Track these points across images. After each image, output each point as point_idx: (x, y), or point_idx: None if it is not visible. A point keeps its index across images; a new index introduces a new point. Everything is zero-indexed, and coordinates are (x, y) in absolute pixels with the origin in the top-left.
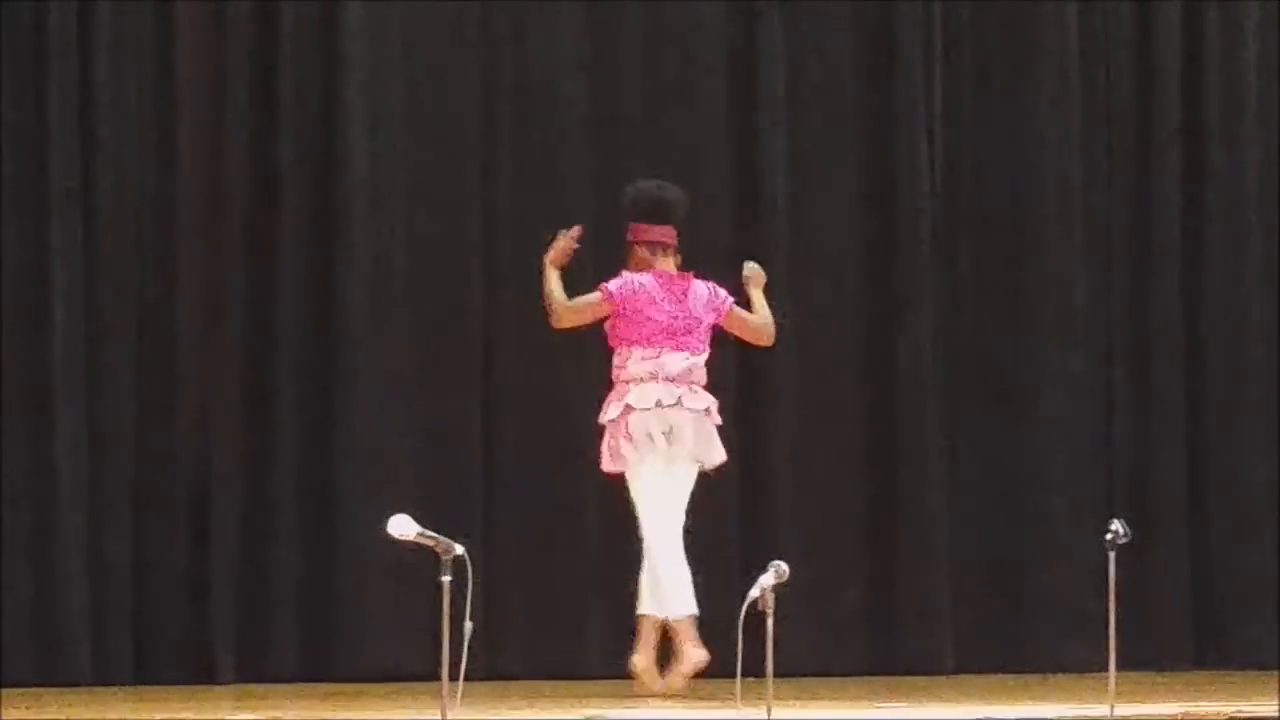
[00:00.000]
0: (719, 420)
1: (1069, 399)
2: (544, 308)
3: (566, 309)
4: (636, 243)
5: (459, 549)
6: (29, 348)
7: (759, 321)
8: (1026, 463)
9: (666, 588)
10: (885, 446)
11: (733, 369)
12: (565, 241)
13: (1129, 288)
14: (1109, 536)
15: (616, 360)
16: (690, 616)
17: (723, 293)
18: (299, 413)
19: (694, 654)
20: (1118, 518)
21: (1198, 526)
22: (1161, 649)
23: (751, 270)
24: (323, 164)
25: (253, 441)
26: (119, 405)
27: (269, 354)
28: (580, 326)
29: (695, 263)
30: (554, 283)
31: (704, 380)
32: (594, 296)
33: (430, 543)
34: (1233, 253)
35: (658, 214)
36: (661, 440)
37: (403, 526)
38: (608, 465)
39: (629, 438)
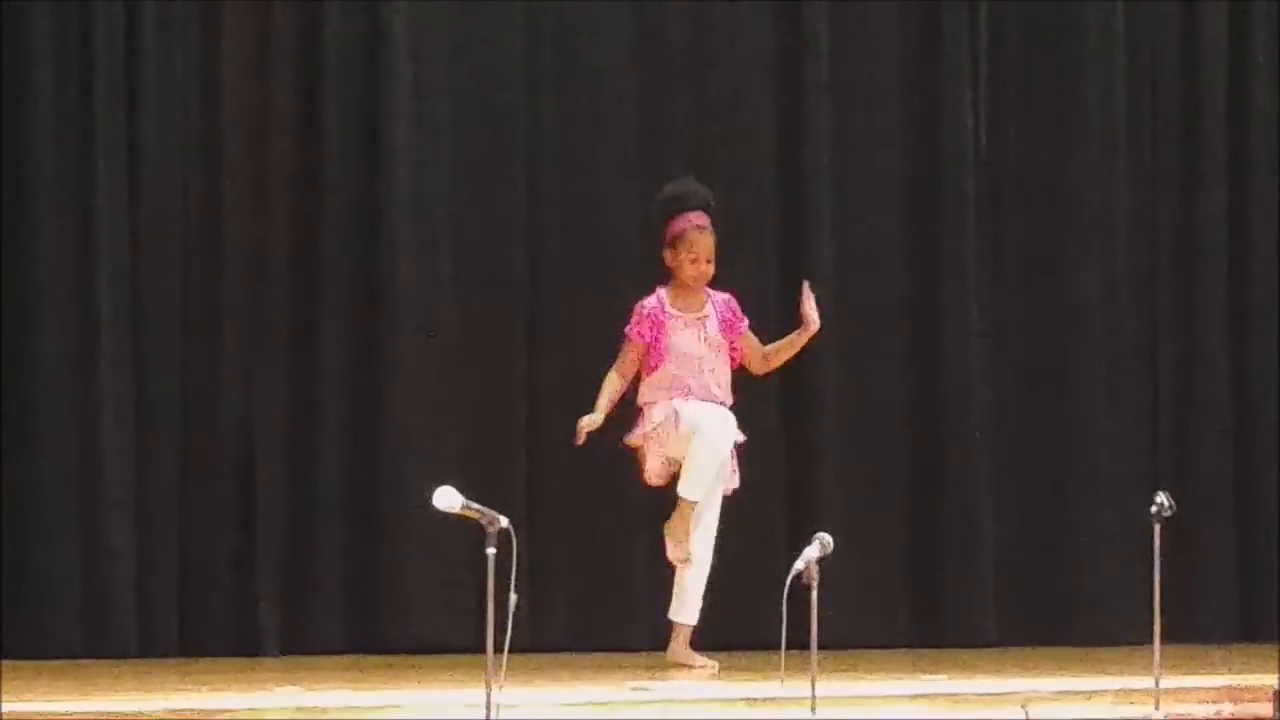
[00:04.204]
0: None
1: (1114, 375)
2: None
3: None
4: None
5: (504, 521)
6: (76, 322)
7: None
8: (1071, 435)
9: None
10: (930, 419)
11: None
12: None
13: (1174, 270)
14: (1154, 509)
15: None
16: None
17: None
18: (344, 386)
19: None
20: (1163, 490)
21: (1243, 499)
22: (1207, 622)
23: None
24: (368, 165)
25: (298, 414)
26: (164, 381)
27: (314, 328)
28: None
29: (741, 256)
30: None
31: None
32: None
33: (475, 515)
34: (1278, 234)
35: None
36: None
37: (448, 498)
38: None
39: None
